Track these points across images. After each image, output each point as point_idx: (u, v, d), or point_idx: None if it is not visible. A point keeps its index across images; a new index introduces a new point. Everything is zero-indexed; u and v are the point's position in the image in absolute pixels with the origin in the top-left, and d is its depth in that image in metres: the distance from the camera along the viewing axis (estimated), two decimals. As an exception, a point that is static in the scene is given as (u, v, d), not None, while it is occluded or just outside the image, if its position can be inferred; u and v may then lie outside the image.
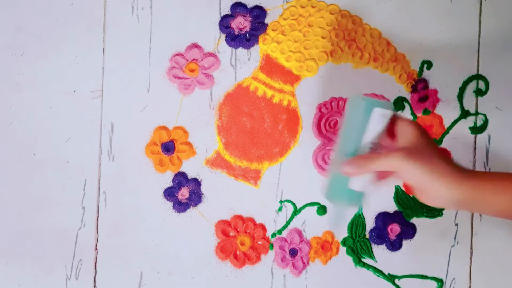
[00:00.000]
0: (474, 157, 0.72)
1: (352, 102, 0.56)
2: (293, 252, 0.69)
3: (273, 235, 0.70)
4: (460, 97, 0.71)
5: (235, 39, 0.68)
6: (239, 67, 0.69)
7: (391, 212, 0.71)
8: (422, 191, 0.52)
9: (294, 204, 0.69)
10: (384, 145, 0.56)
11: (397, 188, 0.71)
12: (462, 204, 0.51)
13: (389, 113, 0.54)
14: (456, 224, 0.71)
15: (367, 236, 0.70)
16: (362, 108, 0.53)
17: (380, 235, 0.70)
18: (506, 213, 0.52)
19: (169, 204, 0.68)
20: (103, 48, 0.67)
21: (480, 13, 0.71)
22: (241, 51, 0.69)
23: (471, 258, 0.71)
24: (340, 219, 0.60)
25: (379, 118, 0.53)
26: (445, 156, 0.52)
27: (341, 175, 0.54)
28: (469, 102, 0.72)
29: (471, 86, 0.72)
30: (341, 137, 0.56)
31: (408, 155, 0.50)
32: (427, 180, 0.50)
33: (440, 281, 0.71)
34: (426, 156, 0.50)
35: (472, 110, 0.72)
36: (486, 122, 0.72)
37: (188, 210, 0.68)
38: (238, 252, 0.69)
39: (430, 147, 0.51)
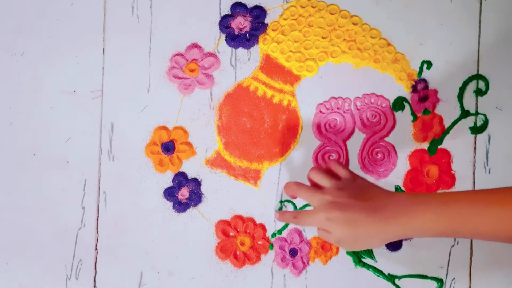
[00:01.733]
0: (474, 157, 0.72)
1: None
2: (293, 252, 0.69)
3: (273, 235, 0.69)
4: (460, 97, 0.71)
5: (235, 39, 0.68)
6: (239, 67, 0.69)
7: (391, 212, 0.71)
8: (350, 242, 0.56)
9: (294, 204, 0.69)
10: None
11: (397, 188, 0.71)
12: (399, 238, 0.55)
13: None
14: (456, 224, 0.71)
15: (367, 236, 0.70)
16: None
17: (380, 235, 0.70)
18: (436, 234, 0.55)
19: (169, 204, 0.68)
20: (103, 48, 0.67)
21: (480, 13, 0.71)
22: (241, 51, 0.69)
23: (471, 258, 0.71)
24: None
25: None
26: (370, 200, 0.55)
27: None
28: (469, 102, 0.72)
29: (471, 86, 0.71)
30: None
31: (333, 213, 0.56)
32: (352, 233, 0.55)
33: (440, 281, 0.71)
34: (351, 236, 0.55)
35: (472, 110, 0.72)
36: (486, 122, 0.72)
37: (188, 210, 0.68)
38: (238, 252, 0.69)
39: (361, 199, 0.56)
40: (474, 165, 0.72)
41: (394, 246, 0.71)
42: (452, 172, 0.71)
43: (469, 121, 0.72)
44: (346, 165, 0.70)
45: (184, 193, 0.68)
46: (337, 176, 0.60)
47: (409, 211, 0.53)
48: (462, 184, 0.71)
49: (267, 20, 0.68)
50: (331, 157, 0.70)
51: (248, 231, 0.69)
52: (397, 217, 0.53)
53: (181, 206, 0.68)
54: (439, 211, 0.52)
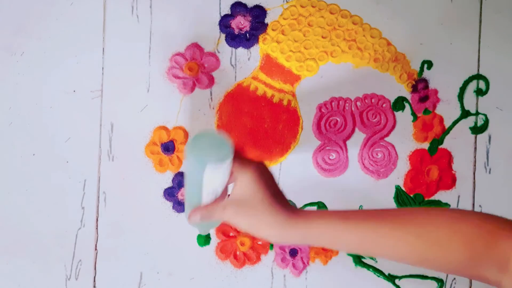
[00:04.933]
0: (475, 157, 0.72)
1: (188, 154, 0.52)
2: (293, 252, 0.69)
3: (273, 235, 0.69)
4: (461, 97, 0.71)
5: (235, 39, 0.68)
6: (239, 67, 0.69)
7: (391, 212, 0.70)
8: (256, 236, 0.53)
9: (294, 204, 0.69)
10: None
11: (398, 188, 0.71)
12: (296, 243, 0.55)
13: (223, 165, 0.50)
14: (457, 224, 0.71)
15: (367, 236, 0.70)
16: (196, 165, 0.50)
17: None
18: (351, 251, 0.55)
19: (169, 204, 0.68)
20: (103, 48, 0.67)
21: (480, 13, 0.71)
22: (241, 51, 0.69)
23: (471, 258, 0.71)
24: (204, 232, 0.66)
25: (213, 172, 0.50)
26: (274, 201, 0.50)
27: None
28: (470, 102, 0.72)
29: (472, 86, 0.71)
30: (186, 186, 0.55)
31: (236, 210, 0.51)
32: (254, 230, 0.51)
33: (440, 281, 0.71)
34: (253, 207, 0.50)
35: (473, 110, 0.72)
36: (486, 122, 0.72)
37: (188, 210, 0.68)
38: (238, 252, 0.69)
39: (259, 196, 0.50)
40: (475, 165, 0.72)
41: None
42: (453, 172, 0.71)
43: (470, 121, 0.72)
44: (346, 165, 0.70)
45: (184, 193, 0.68)
46: None
47: (308, 214, 0.51)
48: (463, 184, 0.71)
49: (267, 20, 0.68)
50: (330, 157, 0.70)
51: (248, 231, 0.69)
52: (297, 216, 0.51)
53: (181, 206, 0.68)
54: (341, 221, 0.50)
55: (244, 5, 0.68)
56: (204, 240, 0.68)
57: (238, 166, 0.51)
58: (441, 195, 0.71)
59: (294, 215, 0.50)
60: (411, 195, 0.71)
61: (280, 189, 0.52)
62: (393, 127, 0.71)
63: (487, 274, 0.46)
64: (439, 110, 0.71)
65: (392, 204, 0.70)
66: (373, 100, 0.70)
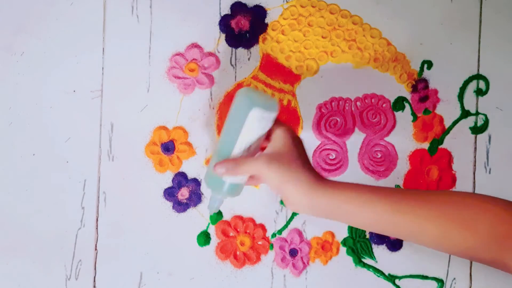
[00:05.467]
0: (475, 157, 0.72)
1: (238, 96, 0.53)
2: (293, 252, 0.69)
3: (273, 235, 0.69)
4: (461, 97, 0.71)
5: (235, 39, 0.68)
6: (239, 66, 0.69)
7: (391, 212, 0.70)
8: (283, 196, 0.52)
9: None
10: (263, 147, 0.55)
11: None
12: (320, 211, 0.51)
13: (268, 116, 0.51)
14: (457, 224, 0.71)
15: (367, 236, 0.70)
16: (245, 105, 0.51)
17: (380, 235, 0.70)
18: (371, 227, 0.53)
19: (169, 204, 0.68)
20: (103, 48, 0.67)
21: (480, 13, 0.71)
22: (241, 50, 0.69)
23: (471, 258, 0.71)
24: (216, 205, 0.58)
25: (257, 120, 0.51)
26: (308, 164, 0.52)
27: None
28: (470, 102, 0.72)
29: (472, 86, 0.71)
30: (222, 133, 0.55)
31: (269, 161, 0.51)
32: (284, 186, 0.51)
33: (440, 281, 0.71)
34: (286, 162, 0.50)
35: (473, 110, 0.72)
36: (486, 122, 0.72)
37: (188, 210, 0.68)
38: (238, 252, 0.69)
39: (295, 154, 0.51)
40: (475, 165, 0.72)
41: (394, 246, 0.70)
42: (453, 172, 0.71)
43: (470, 121, 0.72)
44: (346, 165, 0.70)
45: (184, 193, 0.68)
46: None
47: (338, 184, 0.52)
48: (463, 184, 0.71)
49: (267, 20, 0.68)
50: (330, 157, 0.70)
51: (248, 231, 0.69)
52: (325, 184, 0.51)
53: (181, 206, 0.68)
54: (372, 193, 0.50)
55: (244, 5, 0.68)
56: (204, 240, 0.68)
57: (278, 124, 0.53)
58: (441, 195, 0.71)
59: (324, 180, 0.51)
60: (411, 195, 0.71)
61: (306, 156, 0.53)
62: (393, 127, 0.71)
63: (506, 260, 0.45)
64: (439, 110, 0.71)
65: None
66: (373, 100, 0.70)
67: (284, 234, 0.70)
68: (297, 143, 0.52)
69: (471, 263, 0.71)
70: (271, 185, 0.52)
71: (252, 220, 0.69)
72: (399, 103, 0.71)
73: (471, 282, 0.71)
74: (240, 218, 0.69)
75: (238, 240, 0.69)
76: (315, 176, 0.51)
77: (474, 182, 0.72)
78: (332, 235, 0.70)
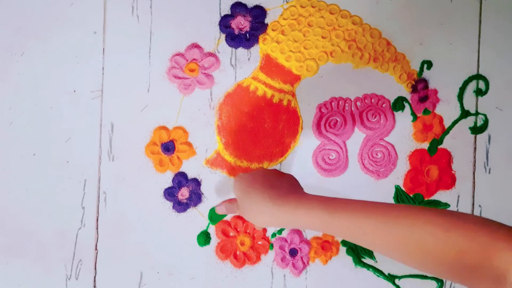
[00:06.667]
0: (474, 157, 0.72)
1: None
2: (293, 252, 0.69)
3: (273, 235, 0.69)
4: (460, 97, 0.71)
5: (235, 39, 0.68)
6: (239, 67, 0.69)
7: (391, 212, 0.70)
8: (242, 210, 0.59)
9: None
10: None
11: (397, 188, 0.71)
12: (288, 227, 0.60)
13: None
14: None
15: (367, 236, 0.70)
16: None
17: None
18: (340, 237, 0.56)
19: (169, 204, 0.68)
20: (103, 48, 0.67)
21: (480, 13, 0.71)
22: (241, 51, 0.69)
23: (471, 258, 0.71)
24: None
25: None
26: (262, 193, 0.56)
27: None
28: (469, 102, 0.72)
29: (471, 86, 0.72)
30: None
31: (238, 206, 0.60)
32: (252, 219, 0.57)
33: (440, 281, 0.71)
34: (243, 204, 0.58)
35: (472, 110, 0.72)
36: (486, 122, 0.72)
37: (188, 210, 0.68)
38: (238, 252, 0.69)
39: (245, 195, 0.58)
40: (474, 165, 0.72)
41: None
42: (452, 172, 0.71)
43: (469, 121, 0.72)
44: (346, 165, 0.70)
45: (184, 193, 0.68)
46: None
47: (299, 199, 0.53)
48: (462, 184, 0.71)
49: (267, 20, 0.68)
50: (330, 157, 0.70)
51: (248, 231, 0.69)
52: (288, 202, 0.54)
53: (181, 206, 0.68)
54: (324, 209, 0.51)
55: (244, 5, 0.68)
56: (204, 240, 0.69)
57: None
58: (441, 195, 0.71)
59: (282, 202, 0.54)
60: (411, 195, 0.71)
61: (274, 180, 0.58)
62: (393, 127, 0.71)
63: (481, 287, 0.43)
64: (439, 110, 0.71)
65: (392, 204, 0.71)
66: (373, 100, 0.70)
67: (284, 234, 0.70)
68: (240, 187, 0.59)
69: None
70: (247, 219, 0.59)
71: (252, 220, 0.69)
72: (399, 103, 0.71)
73: (470, 282, 0.71)
74: (240, 218, 0.69)
75: (238, 240, 0.69)
76: (271, 200, 0.55)
77: (473, 182, 0.72)
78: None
